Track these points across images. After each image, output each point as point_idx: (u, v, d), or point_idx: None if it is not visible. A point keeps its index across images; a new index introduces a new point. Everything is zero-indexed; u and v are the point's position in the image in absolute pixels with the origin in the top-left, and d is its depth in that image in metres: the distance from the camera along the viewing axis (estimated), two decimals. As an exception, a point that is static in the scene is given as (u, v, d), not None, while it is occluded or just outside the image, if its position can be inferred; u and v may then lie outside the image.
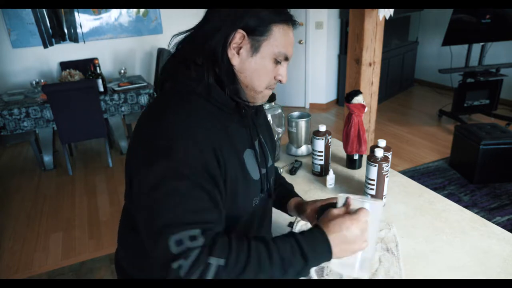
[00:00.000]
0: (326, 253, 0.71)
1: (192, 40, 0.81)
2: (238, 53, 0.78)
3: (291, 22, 0.81)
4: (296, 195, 1.05)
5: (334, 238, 0.71)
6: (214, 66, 0.77)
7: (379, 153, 1.15)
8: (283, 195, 1.05)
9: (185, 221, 0.66)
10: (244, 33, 0.76)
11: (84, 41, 4.24)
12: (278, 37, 0.79)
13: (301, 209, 0.97)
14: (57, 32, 3.47)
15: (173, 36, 0.83)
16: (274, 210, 1.04)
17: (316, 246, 0.71)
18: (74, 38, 3.60)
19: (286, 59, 0.82)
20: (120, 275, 1.00)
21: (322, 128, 1.38)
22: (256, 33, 0.77)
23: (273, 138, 1.07)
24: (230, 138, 0.79)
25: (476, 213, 1.57)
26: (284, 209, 1.04)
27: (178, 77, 0.80)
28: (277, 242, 0.70)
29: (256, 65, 0.79)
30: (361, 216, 0.73)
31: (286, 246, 0.69)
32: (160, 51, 4.05)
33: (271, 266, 0.67)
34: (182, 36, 0.83)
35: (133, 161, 0.77)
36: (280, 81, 0.84)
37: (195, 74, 0.77)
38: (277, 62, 0.81)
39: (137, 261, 0.89)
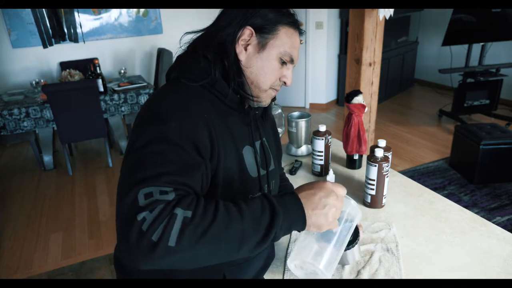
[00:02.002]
0: (298, 211, 0.66)
1: (203, 36, 0.84)
2: (245, 49, 0.81)
3: (297, 27, 0.85)
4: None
5: (305, 199, 0.67)
6: (222, 60, 0.80)
7: (379, 153, 1.15)
8: (279, 191, 1.07)
9: (162, 179, 0.63)
10: (253, 30, 0.80)
11: (84, 41, 4.24)
12: (284, 37, 0.82)
13: None
14: (57, 32, 3.47)
15: (185, 33, 0.86)
16: None
17: (286, 202, 0.67)
18: (74, 38, 3.60)
19: (292, 61, 0.85)
20: (119, 271, 1.00)
21: (322, 128, 1.38)
22: (264, 31, 0.80)
23: (279, 146, 1.09)
24: (229, 128, 0.81)
25: (476, 213, 1.57)
26: None
27: (184, 67, 0.82)
28: (248, 202, 0.65)
29: (262, 62, 0.82)
30: (336, 187, 0.71)
31: (256, 201, 0.66)
32: (160, 51, 4.05)
33: (242, 220, 0.62)
34: (193, 35, 0.86)
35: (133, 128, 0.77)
36: (284, 83, 0.86)
37: (202, 66, 0.80)
38: (282, 62, 0.84)
39: None
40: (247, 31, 0.80)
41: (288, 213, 0.65)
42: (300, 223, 0.67)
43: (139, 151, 0.67)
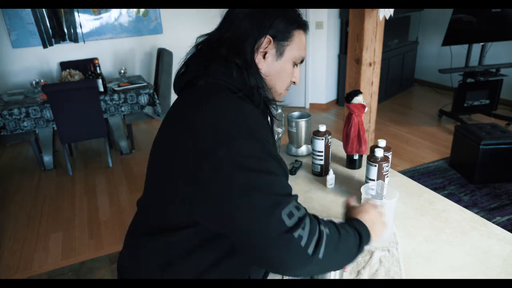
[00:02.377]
0: (368, 234, 0.82)
1: (223, 41, 0.82)
2: (264, 57, 0.83)
3: (306, 27, 0.88)
4: None
5: (367, 223, 0.84)
6: (246, 68, 0.81)
7: (379, 153, 1.15)
8: None
9: (284, 194, 0.70)
10: (271, 39, 0.82)
11: (84, 41, 4.24)
12: (298, 41, 0.85)
13: None
14: (57, 32, 3.47)
15: (198, 37, 0.87)
16: None
17: (362, 230, 0.82)
18: (74, 38, 3.60)
19: (302, 61, 0.89)
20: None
21: (322, 128, 1.38)
22: (281, 38, 0.83)
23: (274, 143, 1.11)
24: (272, 135, 0.85)
25: (476, 213, 1.57)
26: None
27: (213, 73, 0.80)
28: (343, 225, 0.80)
29: (280, 68, 0.85)
30: (378, 208, 0.90)
31: (348, 228, 0.80)
32: (160, 51, 4.05)
33: (349, 241, 0.77)
34: (203, 38, 0.86)
35: (188, 148, 0.72)
36: (294, 82, 0.90)
37: (235, 74, 0.80)
38: (295, 64, 0.88)
39: (168, 267, 0.80)
40: (266, 40, 0.81)
41: (366, 233, 0.82)
42: (369, 240, 0.83)
43: (247, 173, 0.67)
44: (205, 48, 0.84)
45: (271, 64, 0.84)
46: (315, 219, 0.73)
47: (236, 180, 0.67)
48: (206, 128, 0.71)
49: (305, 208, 0.72)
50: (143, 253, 0.82)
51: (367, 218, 0.86)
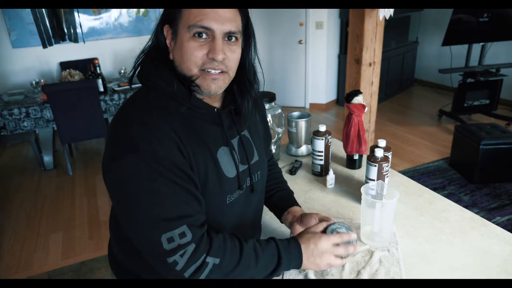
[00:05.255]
0: (297, 262, 0.85)
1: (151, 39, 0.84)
2: (170, 45, 0.80)
3: None
4: (293, 204, 1.07)
5: (306, 250, 0.85)
6: (167, 62, 0.80)
7: (379, 153, 1.15)
8: (281, 205, 1.07)
9: (169, 218, 0.70)
10: (168, 26, 0.79)
11: (84, 41, 4.24)
12: (187, 13, 0.75)
13: (297, 223, 0.99)
14: (57, 32, 3.47)
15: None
16: None
17: (291, 252, 0.84)
18: (74, 38, 3.60)
19: (208, 29, 0.74)
20: (117, 270, 1.00)
21: (322, 128, 1.38)
22: (172, 19, 0.78)
23: (268, 131, 1.08)
24: (198, 134, 0.80)
25: (476, 213, 1.57)
26: (279, 216, 1.07)
27: (145, 74, 0.81)
28: (263, 248, 0.81)
29: (179, 50, 0.78)
30: (332, 238, 0.87)
31: (269, 249, 0.81)
32: (160, 51, 4.05)
33: (256, 266, 0.78)
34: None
35: (105, 154, 0.77)
36: (213, 58, 0.76)
37: (162, 73, 0.79)
38: (199, 36, 0.75)
39: (132, 257, 0.90)
40: (165, 29, 0.79)
41: (290, 261, 0.84)
42: (296, 267, 0.86)
43: (131, 190, 0.70)
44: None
45: (174, 50, 0.79)
46: (206, 247, 0.72)
47: (121, 200, 0.74)
48: (106, 142, 0.77)
49: (197, 233, 0.72)
50: (113, 244, 0.99)
51: (312, 247, 0.85)
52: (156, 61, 0.80)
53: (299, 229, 0.97)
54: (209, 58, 0.76)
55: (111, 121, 0.79)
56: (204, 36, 0.75)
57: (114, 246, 0.98)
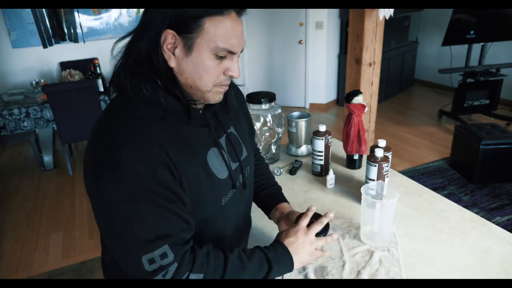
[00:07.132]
0: (288, 266, 0.85)
1: (131, 43, 0.76)
2: (174, 54, 0.73)
3: (226, 11, 0.71)
4: (281, 201, 1.06)
5: (294, 250, 0.85)
6: (154, 70, 0.73)
7: (379, 153, 1.15)
8: (270, 202, 1.07)
9: (151, 239, 0.69)
10: (174, 32, 0.70)
11: (84, 41, 4.24)
12: (212, 31, 0.71)
13: (284, 221, 1.00)
14: (57, 32, 3.47)
15: (116, 41, 0.80)
16: None
17: (280, 259, 0.83)
18: (74, 38, 3.60)
19: (232, 52, 0.74)
20: (105, 272, 1.00)
21: (322, 128, 1.38)
22: (186, 30, 0.70)
23: (251, 124, 1.07)
24: (186, 141, 0.76)
25: (476, 213, 1.57)
26: (267, 213, 1.07)
27: (122, 82, 0.76)
28: (250, 256, 0.80)
29: (194, 65, 0.73)
30: (310, 233, 0.88)
31: (256, 258, 0.81)
32: (160, 51, 4.06)
33: (243, 277, 0.77)
34: (127, 40, 0.78)
35: (85, 172, 0.75)
36: (232, 76, 0.77)
37: (142, 79, 0.74)
38: (220, 57, 0.74)
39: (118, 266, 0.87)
40: (169, 35, 0.70)
41: (275, 267, 0.82)
42: (288, 271, 0.86)
43: (113, 212, 0.70)
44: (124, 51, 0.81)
45: (182, 61, 0.73)
46: (188, 265, 0.71)
47: (102, 223, 0.75)
48: (87, 157, 0.75)
49: (179, 252, 0.71)
50: (104, 253, 0.98)
51: (294, 246, 0.86)
52: (138, 66, 0.74)
53: (284, 227, 0.97)
54: (226, 75, 0.77)
55: (92, 134, 0.76)
56: (224, 55, 0.74)
57: (105, 255, 0.97)
